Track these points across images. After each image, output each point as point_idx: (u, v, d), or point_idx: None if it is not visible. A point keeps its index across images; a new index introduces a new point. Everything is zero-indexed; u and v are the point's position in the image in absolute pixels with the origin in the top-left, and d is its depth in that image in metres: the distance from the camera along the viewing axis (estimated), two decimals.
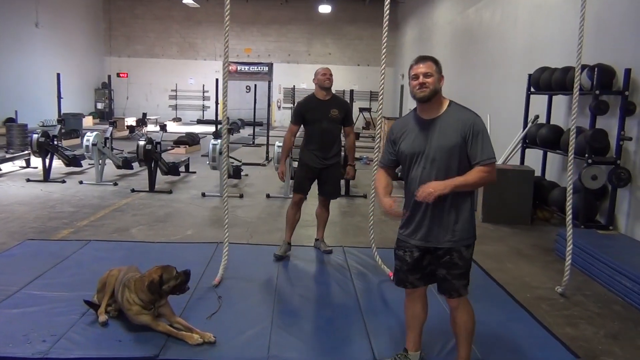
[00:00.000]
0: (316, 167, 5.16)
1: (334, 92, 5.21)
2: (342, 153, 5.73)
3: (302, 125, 5.23)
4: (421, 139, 2.89)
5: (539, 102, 8.07)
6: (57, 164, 9.89)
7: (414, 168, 2.92)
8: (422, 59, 2.90)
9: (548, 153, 7.81)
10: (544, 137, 7.36)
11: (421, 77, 2.83)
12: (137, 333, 3.44)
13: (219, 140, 8.33)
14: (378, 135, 5.15)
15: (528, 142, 7.91)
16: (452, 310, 3.04)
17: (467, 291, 2.96)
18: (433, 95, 2.85)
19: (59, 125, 11.06)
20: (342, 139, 5.35)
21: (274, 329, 3.63)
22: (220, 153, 8.21)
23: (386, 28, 4.65)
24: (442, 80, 2.90)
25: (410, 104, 20.58)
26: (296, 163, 5.95)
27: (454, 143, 2.82)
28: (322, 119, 5.08)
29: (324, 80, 5.10)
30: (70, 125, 16.07)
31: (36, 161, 10.04)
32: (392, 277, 4.67)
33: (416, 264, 2.99)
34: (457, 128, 2.82)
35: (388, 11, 4.60)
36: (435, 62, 2.90)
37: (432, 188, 2.75)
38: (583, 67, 5.76)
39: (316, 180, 5.28)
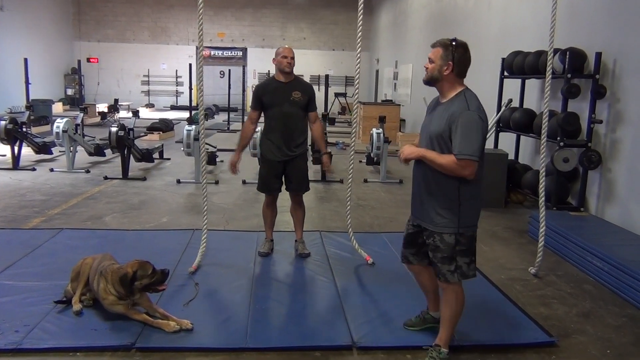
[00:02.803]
0: (278, 160, 4.65)
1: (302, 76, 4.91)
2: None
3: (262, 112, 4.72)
4: (426, 120, 3.04)
5: (512, 86, 8.15)
6: (27, 151, 9.65)
7: (420, 146, 3.04)
8: (434, 44, 2.93)
9: (521, 136, 7.91)
10: (517, 121, 7.45)
11: (428, 61, 2.92)
12: (112, 322, 3.40)
13: (194, 126, 8.23)
14: (354, 120, 5.12)
15: (502, 125, 7.99)
16: (441, 289, 3.10)
17: (454, 278, 2.95)
18: (431, 82, 2.93)
19: (28, 112, 10.79)
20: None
21: (252, 315, 3.62)
22: (196, 139, 8.12)
23: (361, 12, 4.61)
24: (448, 67, 2.85)
25: (385, 89, 20.60)
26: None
27: (440, 131, 2.85)
28: (283, 102, 4.55)
29: (284, 64, 4.54)
30: (39, 111, 15.63)
31: (4, 149, 9.77)
32: (369, 261, 4.75)
33: (411, 239, 3.15)
34: (446, 118, 2.83)
35: None
36: (444, 47, 2.86)
37: (406, 151, 2.93)
38: (555, 50, 5.84)
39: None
